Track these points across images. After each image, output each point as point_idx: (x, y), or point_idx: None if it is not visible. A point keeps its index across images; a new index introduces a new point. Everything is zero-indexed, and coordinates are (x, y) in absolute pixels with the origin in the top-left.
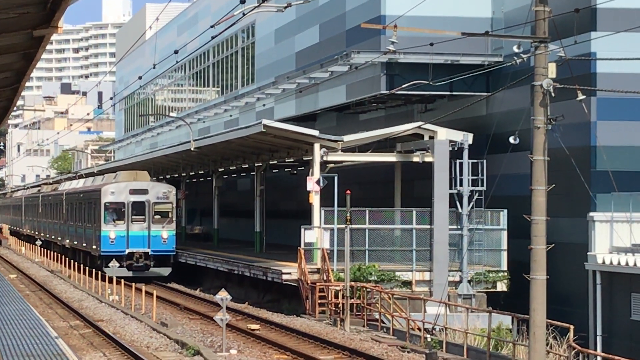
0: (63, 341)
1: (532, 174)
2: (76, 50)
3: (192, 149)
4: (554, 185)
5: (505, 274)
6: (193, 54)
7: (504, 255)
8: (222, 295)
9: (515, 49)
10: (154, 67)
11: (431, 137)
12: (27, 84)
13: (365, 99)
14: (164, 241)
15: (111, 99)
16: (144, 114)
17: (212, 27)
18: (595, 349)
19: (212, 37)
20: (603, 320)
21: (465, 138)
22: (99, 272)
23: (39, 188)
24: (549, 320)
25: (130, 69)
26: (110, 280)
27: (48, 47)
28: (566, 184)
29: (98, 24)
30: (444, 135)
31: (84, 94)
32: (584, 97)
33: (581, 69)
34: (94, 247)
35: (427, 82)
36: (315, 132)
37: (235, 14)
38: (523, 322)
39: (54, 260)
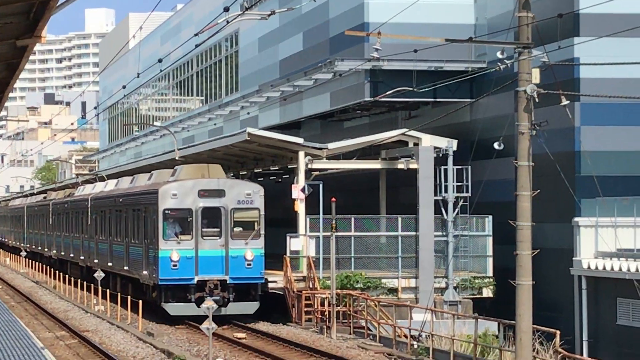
0: (49, 352)
1: (517, 180)
2: (59, 61)
3: (177, 158)
4: (538, 190)
5: (491, 280)
6: (176, 63)
7: (490, 261)
8: (208, 305)
9: (498, 55)
10: (138, 77)
11: (415, 144)
12: (11, 94)
13: (349, 106)
14: (249, 264)
15: (95, 108)
16: (127, 124)
17: (195, 35)
18: (582, 354)
19: (196, 46)
20: (589, 325)
21: (449, 144)
22: (84, 283)
23: (44, 195)
24: (535, 326)
25: (114, 79)
26: (96, 292)
27: (31, 57)
28: (551, 189)
29: (81, 34)
30: (429, 142)
31: (68, 104)
32: (568, 102)
33: (565, 75)
34: (146, 272)
35: (411, 89)
36: (300, 140)
37: (218, 22)
38: (509, 328)
39: (39, 271)
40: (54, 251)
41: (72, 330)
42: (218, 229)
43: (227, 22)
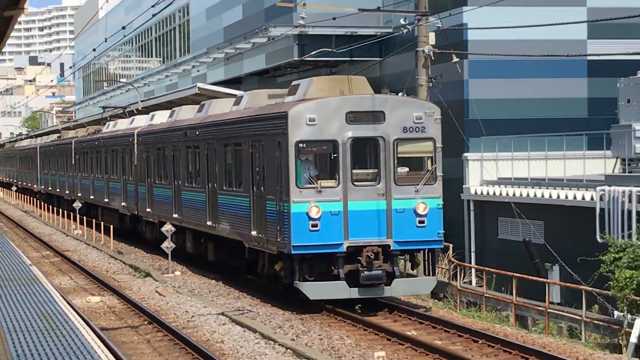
0: (36, 268)
1: None
2: (41, 29)
3: (140, 108)
4: None
5: None
6: (138, 30)
7: None
8: (167, 228)
9: (402, 22)
10: (106, 41)
11: None
12: (0, 57)
13: (281, 65)
14: (421, 221)
15: (71, 68)
16: (98, 80)
17: (152, 7)
18: (470, 263)
19: (153, 15)
20: (476, 239)
21: None
22: (65, 212)
23: (58, 135)
24: None
25: (87, 44)
26: (75, 218)
27: (17, 26)
28: (445, 131)
29: (59, 7)
30: None
31: (49, 64)
32: (458, 60)
33: (455, 37)
34: (259, 234)
35: (331, 50)
36: (241, 93)
37: None
38: None
39: (27, 202)
40: (79, 194)
41: (55, 250)
42: (375, 171)
43: None
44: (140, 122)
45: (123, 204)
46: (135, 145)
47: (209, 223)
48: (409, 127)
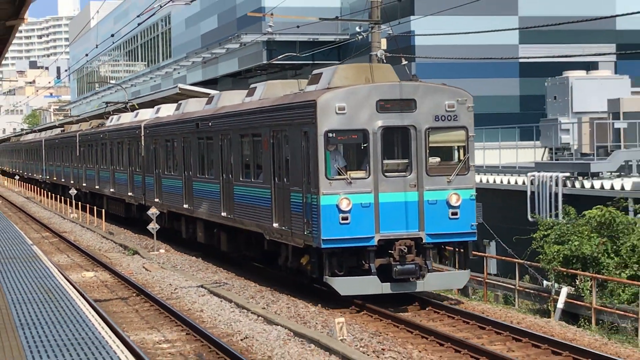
0: (37, 247)
1: None
2: (40, 37)
3: (128, 106)
4: None
5: None
6: (125, 37)
7: None
8: (152, 211)
9: (357, 29)
10: (97, 47)
11: None
12: (4, 62)
13: (251, 67)
14: (454, 213)
15: (66, 71)
16: (91, 82)
17: (138, 16)
18: None
19: (139, 24)
20: None
21: None
22: (61, 197)
23: (61, 129)
24: None
25: (80, 50)
26: (71, 203)
27: (18, 34)
28: None
29: (55, 17)
30: None
31: (47, 68)
32: (407, 62)
33: (404, 43)
34: (281, 226)
35: (296, 54)
36: (217, 92)
37: (154, 7)
38: None
39: (28, 190)
40: (84, 184)
41: (53, 232)
42: (406, 161)
43: (161, 7)
44: (145, 115)
45: (130, 193)
46: (143, 137)
47: (223, 214)
48: (441, 116)
